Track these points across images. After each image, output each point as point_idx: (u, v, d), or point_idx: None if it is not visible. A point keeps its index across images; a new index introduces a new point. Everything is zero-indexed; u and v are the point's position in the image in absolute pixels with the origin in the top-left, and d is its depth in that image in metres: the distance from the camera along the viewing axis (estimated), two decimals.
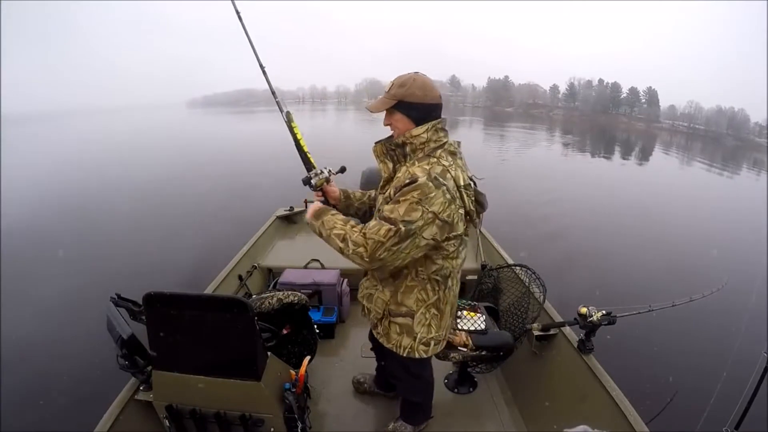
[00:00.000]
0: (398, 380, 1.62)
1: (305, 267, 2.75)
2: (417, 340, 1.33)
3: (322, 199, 1.42)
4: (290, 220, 3.66)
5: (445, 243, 1.21)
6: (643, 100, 75.10)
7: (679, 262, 5.96)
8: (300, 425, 1.44)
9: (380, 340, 1.42)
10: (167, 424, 1.44)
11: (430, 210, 1.11)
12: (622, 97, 77.18)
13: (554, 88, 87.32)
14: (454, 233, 1.20)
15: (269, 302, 1.81)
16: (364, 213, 1.51)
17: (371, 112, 1.25)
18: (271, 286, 2.65)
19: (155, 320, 1.34)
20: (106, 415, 1.40)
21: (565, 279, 4.48)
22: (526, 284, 2.20)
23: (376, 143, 1.30)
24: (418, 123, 1.21)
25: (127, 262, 4.84)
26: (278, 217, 3.55)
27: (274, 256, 2.95)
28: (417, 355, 1.35)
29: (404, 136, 1.22)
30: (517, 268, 2.35)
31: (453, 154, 1.24)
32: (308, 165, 1.40)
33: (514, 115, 62.97)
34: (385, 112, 1.24)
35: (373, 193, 1.50)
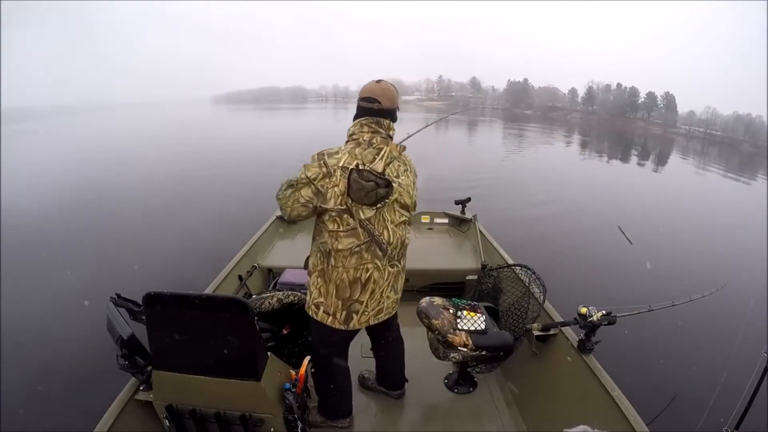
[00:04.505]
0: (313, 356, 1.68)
1: (305, 267, 2.75)
2: (311, 300, 1.56)
3: None
4: None
5: (326, 217, 1.45)
6: (661, 105, 74.46)
7: (680, 262, 5.96)
8: (300, 425, 1.44)
9: None
10: (167, 424, 1.44)
11: (305, 173, 1.42)
12: (639, 101, 76.62)
13: (573, 92, 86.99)
14: (325, 206, 1.42)
15: (269, 302, 1.82)
16: None
17: None
18: (271, 286, 2.64)
19: (155, 320, 1.34)
20: (106, 415, 1.40)
21: (566, 279, 4.48)
22: (526, 284, 2.20)
23: None
24: (354, 119, 1.51)
25: (128, 262, 4.84)
26: (278, 217, 3.54)
27: (274, 256, 2.95)
28: (310, 313, 1.57)
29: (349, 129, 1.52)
30: (517, 268, 2.35)
31: (359, 144, 1.46)
32: None
33: (532, 118, 62.68)
34: None
35: None
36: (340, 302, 1.51)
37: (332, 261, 1.47)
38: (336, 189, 1.40)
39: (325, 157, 1.41)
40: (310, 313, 1.57)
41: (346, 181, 1.40)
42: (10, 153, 14.48)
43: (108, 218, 6.72)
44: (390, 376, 1.97)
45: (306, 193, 1.41)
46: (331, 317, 1.53)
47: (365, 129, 1.46)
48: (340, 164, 1.40)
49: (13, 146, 17.20)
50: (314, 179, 1.40)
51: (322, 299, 1.52)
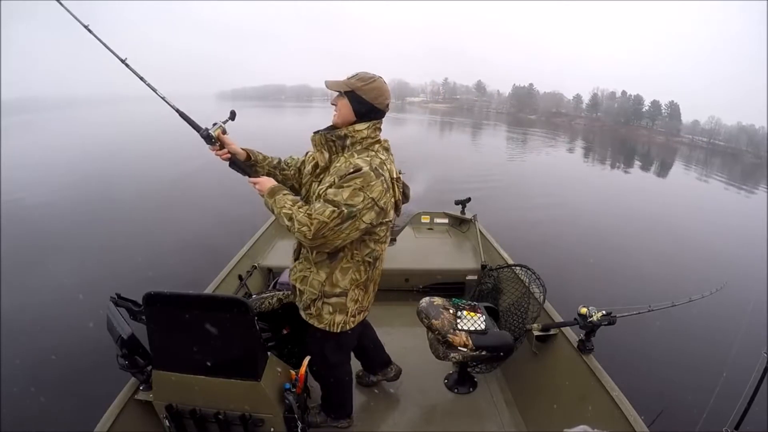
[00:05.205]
0: (320, 367, 1.63)
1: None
2: (349, 315, 1.46)
3: (228, 155, 1.43)
4: None
5: (378, 228, 1.35)
6: (665, 114, 74.31)
7: (680, 267, 5.98)
8: (300, 425, 1.44)
9: (310, 321, 1.48)
10: (167, 424, 1.44)
11: (370, 196, 1.24)
12: (644, 110, 76.43)
13: (577, 98, 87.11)
14: (386, 219, 1.35)
15: (269, 302, 1.82)
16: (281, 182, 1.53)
17: (327, 87, 1.37)
18: (271, 286, 2.64)
19: (155, 320, 1.35)
20: (106, 414, 1.40)
21: (566, 279, 4.48)
22: (526, 284, 2.20)
23: (315, 133, 1.40)
24: (359, 117, 1.33)
25: (127, 261, 4.84)
26: None
27: (274, 256, 2.95)
28: (348, 327, 1.48)
29: (347, 129, 1.33)
30: (517, 268, 2.35)
31: (387, 150, 1.38)
32: (196, 126, 1.41)
33: (537, 123, 62.75)
34: (336, 93, 1.35)
35: (276, 160, 1.57)
36: (373, 292, 1.53)
37: (377, 264, 1.45)
38: (392, 200, 1.36)
39: (379, 170, 1.28)
40: (348, 327, 1.46)
41: (401, 190, 1.41)
42: (16, 144, 14.48)
43: (108, 215, 6.73)
44: (377, 360, 1.99)
45: (369, 217, 1.26)
46: (364, 312, 1.53)
47: (378, 133, 1.38)
48: (393, 176, 1.36)
49: (18, 138, 17.20)
50: (378, 199, 1.26)
51: (359, 305, 1.48)
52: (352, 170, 1.25)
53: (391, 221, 1.40)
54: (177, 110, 1.42)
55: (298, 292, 1.49)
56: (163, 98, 1.44)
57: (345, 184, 1.24)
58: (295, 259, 1.51)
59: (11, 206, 6.71)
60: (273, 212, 1.33)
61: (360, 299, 1.47)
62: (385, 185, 1.28)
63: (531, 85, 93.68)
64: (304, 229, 1.22)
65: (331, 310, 1.44)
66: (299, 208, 1.27)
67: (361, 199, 1.23)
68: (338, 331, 1.46)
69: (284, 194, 1.33)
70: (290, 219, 1.25)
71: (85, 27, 1.43)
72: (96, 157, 12.35)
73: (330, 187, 1.28)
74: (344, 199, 1.22)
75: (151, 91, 1.43)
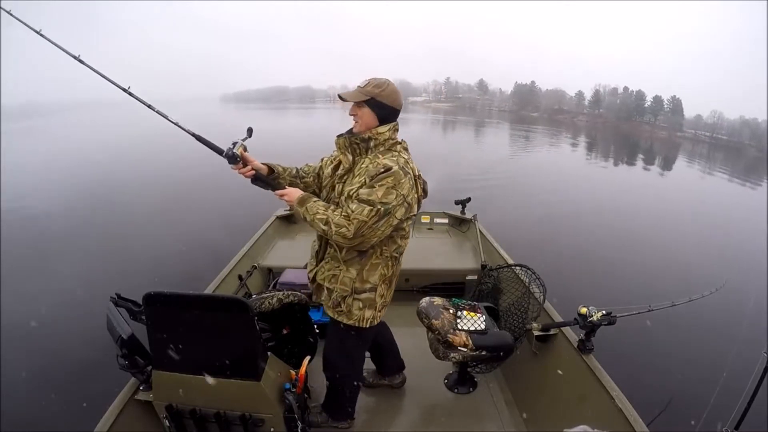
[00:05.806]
0: (339, 364, 1.65)
1: (305, 267, 2.75)
2: (376, 309, 1.51)
3: (252, 172, 1.44)
4: (290, 219, 3.66)
5: (404, 224, 1.42)
6: (667, 109, 73.46)
7: (681, 264, 5.97)
8: (300, 425, 1.44)
9: (339, 318, 1.51)
10: (167, 424, 1.45)
11: (401, 193, 1.31)
12: (646, 105, 75.73)
13: (580, 95, 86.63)
14: (411, 215, 1.41)
15: (269, 302, 1.82)
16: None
17: (344, 99, 1.39)
18: (271, 286, 2.65)
19: (155, 320, 1.35)
20: (106, 414, 1.40)
21: (566, 279, 4.48)
22: (526, 284, 2.20)
23: (338, 136, 1.45)
24: (381, 121, 1.39)
25: (127, 262, 4.85)
26: (278, 217, 3.54)
27: (274, 256, 2.95)
28: (376, 322, 1.53)
29: (371, 132, 1.38)
30: (517, 268, 2.35)
31: (406, 149, 1.44)
32: (217, 149, 1.43)
33: (539, 120, 62.60)
34: (353, 103, 1.39)
35: (294, 170, 1.60)
36: (394, 287, 1.56)
37: (400, 258, 1.51)
38: (416, 195, 1.41)
39: (406, 168, 1.35)
40: (375, 321, 1.52)
41: (422, 186, 1.48)
42: (17, 149, 14.49)
43: (108, 216, 6.74)
44: (391, 361, 2.00)
45: (401, 213, 1.33)
46: (386, 307, 1.56)
47: (396, 134, 1.44)
48: (416, 174, 1.43)
49: (19, 142, 17.23)
50: (407, 195, 1.33)
51: (384, 300, 1.52)
52: (382, 170, 1.31)
53: (414, 216, 1.46)
54: (194, 135, 1.45)
55: (326, 291, 1.52)
56: (176, 124, 1.46)
57: (377, 184, 1.29)
58: (320, 260, 1.54)
59: (12, 209, 6.72)
60: (305, 220, 1.37)
61: (385, 294, 1.52)
62: (411, 182, 1.35)
63: (533, 82, 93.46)
64: (343, 230, 1.28)
65: (361, 305, 1.48)
66: (333, 211, 1.32)
67: (394, 196, 1.29)
68: (367, 326, 1.50)
69: (314, 201, 1.38)
70: (326, 223, 1.30)
71: (76, 58, 1.43)
72: (96, 160, 12.37)
73: (361, 187, 1.32)
74: (379, 198, 1.28)
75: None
